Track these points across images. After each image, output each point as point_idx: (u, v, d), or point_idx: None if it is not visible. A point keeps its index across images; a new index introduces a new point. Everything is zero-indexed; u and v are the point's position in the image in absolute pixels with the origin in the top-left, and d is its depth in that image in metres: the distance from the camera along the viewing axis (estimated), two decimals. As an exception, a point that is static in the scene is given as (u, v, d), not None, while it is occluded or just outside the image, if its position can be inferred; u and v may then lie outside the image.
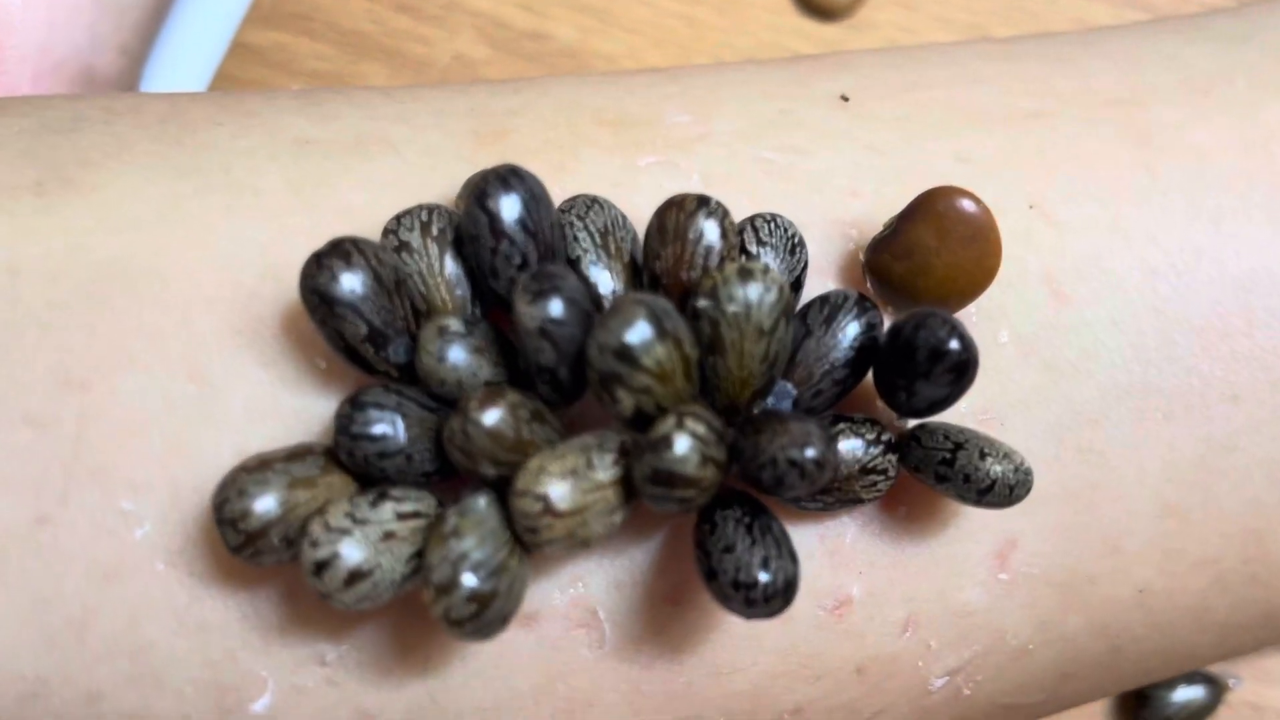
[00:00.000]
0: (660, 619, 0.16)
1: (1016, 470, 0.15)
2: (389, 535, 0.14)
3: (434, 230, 0.15)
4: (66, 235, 0.15)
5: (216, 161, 0.17)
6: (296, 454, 0.14)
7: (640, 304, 0.14)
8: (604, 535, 0.14)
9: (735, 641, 0.16)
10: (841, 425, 0.16)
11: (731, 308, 0.14)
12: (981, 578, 0.17)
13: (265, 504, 0.14)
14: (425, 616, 0.15)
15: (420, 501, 0.14)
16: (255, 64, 0.34)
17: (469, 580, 0.13)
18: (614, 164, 0.17)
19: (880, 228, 0.17)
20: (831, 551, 0.16)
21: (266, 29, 0.34)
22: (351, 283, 0.14)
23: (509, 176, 0.15)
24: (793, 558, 0.14)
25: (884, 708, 0.18)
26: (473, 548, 0.13)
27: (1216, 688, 0.33)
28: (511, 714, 0.16)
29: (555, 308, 0.14)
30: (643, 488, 0.14)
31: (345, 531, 0.14)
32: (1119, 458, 0.17)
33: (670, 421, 0.14)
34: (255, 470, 0.14)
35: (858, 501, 0.16)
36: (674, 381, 0.14)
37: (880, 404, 0.16)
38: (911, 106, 0.19)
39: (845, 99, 0.19)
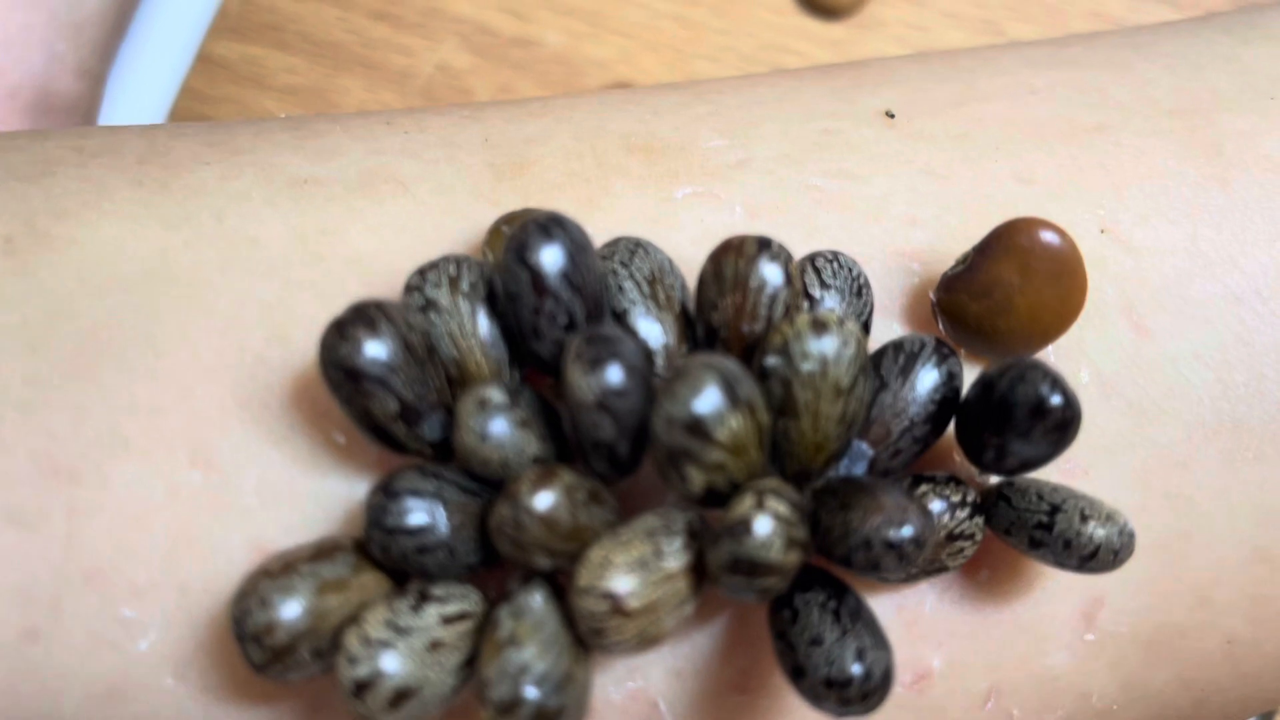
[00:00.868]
0: (728, 710, 0.14)
1: (1121, 533, 0.14)
2: (436, 645, 0.12)
3: (464, 286, 0.14)
4: (44, 300, 0.14)
5: (207, 208, 0.15)
6: (323, 551, 0.13)
7: (709, 368, 0.12)
8: (674, 631, 0.13)
9: None
10: (924, 487, 0.14)
11: (806, 365, 0.13)
12: (1067, 640, 0.16)
13: (292, 614, 0.12)
14: (469, 721, 0.14)
15: (465, 600, 0.13)
16: (224, 79, 0.32)
17: (532, 694, 0.12)
18: (649, 197, 0.16)
19: (946, 260, 0.16)
20: (910, 622, 0.15)
21: (234, 41, 0.32)
22: (379, 353, 0.12)
23: (550, 225, 0.13)
24: (885, 645, 0.13)
25: None
26: (534, 658, 0.12)
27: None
28: None
29: (615, 376, 0.12)
30: (718, 577, 0.12)
31: (387, 644, 0.12)
32: (1208, 503, 0.16)
33: (748, 502, 0.12)
34: (279, 575, 0.12)
35: (942, 570, 0.14)
36: (748, 454, 0.12)
37: (958, 458, 0.15)
38: (966, 123, 0.17)
39: (891, 115, 0.17)
